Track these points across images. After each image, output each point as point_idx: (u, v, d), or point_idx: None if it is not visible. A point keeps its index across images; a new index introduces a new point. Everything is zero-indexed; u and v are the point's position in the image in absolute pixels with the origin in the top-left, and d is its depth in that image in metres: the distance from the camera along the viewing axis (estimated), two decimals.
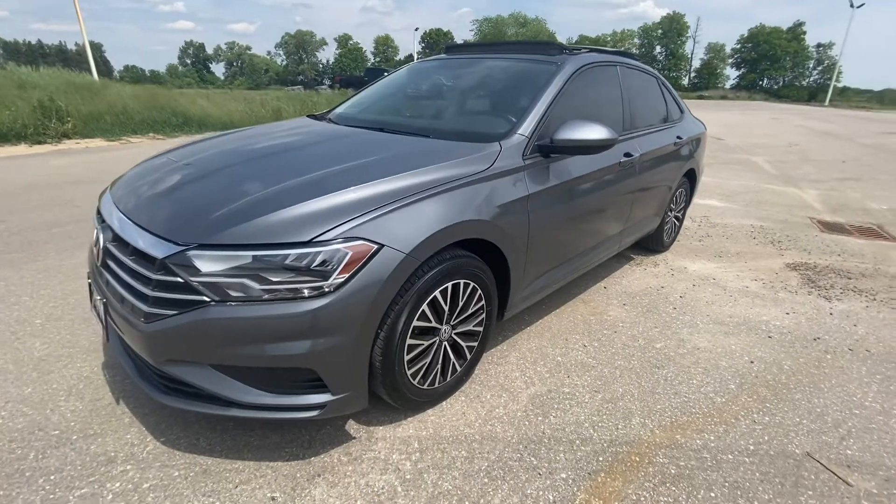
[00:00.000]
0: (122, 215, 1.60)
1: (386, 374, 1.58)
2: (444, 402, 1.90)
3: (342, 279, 1.36)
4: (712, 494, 1.52)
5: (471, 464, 1.60)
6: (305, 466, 1.56)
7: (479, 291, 1.83)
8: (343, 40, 75.11)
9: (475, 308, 1.86)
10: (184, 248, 1.36)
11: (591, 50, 2.70)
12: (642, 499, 1.49)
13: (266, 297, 1.33)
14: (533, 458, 1.63)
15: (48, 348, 2.14)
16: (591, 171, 2.30)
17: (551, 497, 1.48)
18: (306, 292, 1.34)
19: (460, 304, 1.77)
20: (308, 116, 2.90)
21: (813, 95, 58.45)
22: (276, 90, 30.07)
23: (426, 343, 1.70)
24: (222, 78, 77.46)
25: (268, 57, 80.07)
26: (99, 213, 1.81)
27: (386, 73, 3.19)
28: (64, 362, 2.05)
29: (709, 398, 2.00)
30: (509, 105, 2.24)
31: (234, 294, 1.33)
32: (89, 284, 1.78)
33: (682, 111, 3.62)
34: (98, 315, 1.67)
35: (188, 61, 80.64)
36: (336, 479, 1.52)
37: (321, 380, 1.43)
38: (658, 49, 72.23)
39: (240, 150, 2.06)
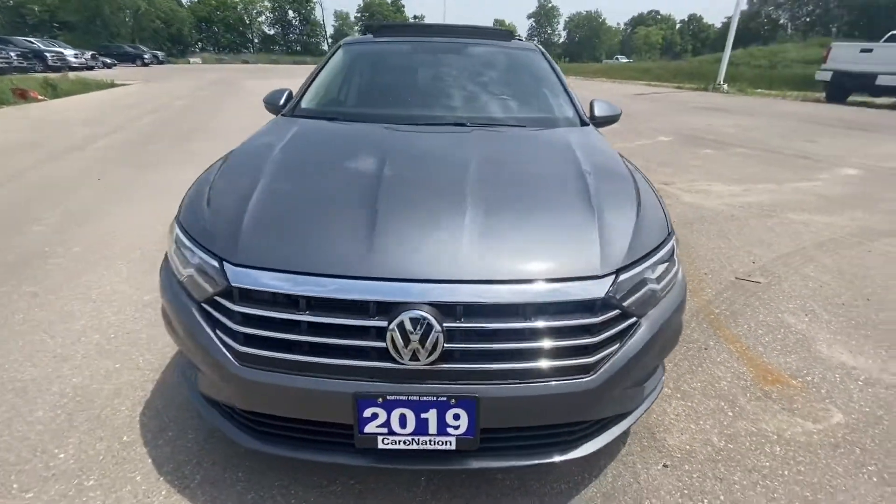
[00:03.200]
0: (471, 285, 1.22)
1: None
2: None
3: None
4: (754, 302, 2.62)
5: (677, 367, 2.14)
6: (641, 461, 1.64)
7: None
8: None
9: None
10: (613, 275, 1.29)
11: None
12: (746, 326, 2.44)
13: (659, 294, 1.41)
14: (685, 348, 2.30)
15: None
16: None
17: (725, 356, 2.22)
18: (668, 282, 1.47)
19: None
20: (284, 115, 2.24)
21: None
22: None
23: None
24: None
25: None
26: (372, 308, 1.19)
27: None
28: None
29: None
30: (548, 90, 2.50)
31: (646, 302, 1.36)
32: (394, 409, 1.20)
33: None
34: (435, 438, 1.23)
35: None
36: (676, 463, 1.65)
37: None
38: (291, 14, 72.53)
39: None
